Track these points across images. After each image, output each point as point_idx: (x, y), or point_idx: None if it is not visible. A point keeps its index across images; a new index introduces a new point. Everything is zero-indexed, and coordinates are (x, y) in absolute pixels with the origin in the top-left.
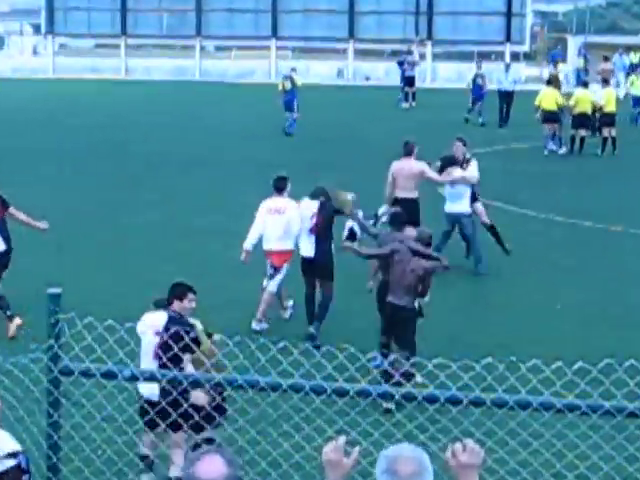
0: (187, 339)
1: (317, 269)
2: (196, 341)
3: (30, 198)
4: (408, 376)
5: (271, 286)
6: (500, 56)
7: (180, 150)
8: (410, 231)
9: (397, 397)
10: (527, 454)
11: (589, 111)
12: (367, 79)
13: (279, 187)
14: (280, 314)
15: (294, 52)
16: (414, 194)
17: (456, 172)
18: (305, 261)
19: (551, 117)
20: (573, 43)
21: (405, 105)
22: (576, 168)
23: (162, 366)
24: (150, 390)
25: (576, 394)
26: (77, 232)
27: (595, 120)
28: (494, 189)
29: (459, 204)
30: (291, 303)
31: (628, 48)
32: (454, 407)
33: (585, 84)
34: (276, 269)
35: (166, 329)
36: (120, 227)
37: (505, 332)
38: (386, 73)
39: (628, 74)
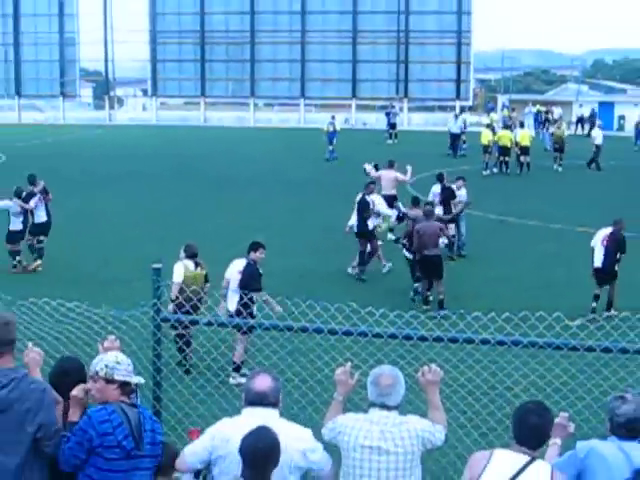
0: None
1: None
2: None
3: (143, 202)
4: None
5: None
6: (453, 109)
7: (241, 173)
8: (417, 210)
9: (399, 338)
10: (469, 371)
11: (509, 145)
12: (364, 124)
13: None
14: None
15: (316, 107)
16: (393, 192)
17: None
18: None
19: (486, 150)
20: (501, 100)
21: (389, 142)
22: (503, 183)
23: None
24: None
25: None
26: (168, 227)
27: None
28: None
29: None
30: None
31: (536, 102)
32: (422, 342)
33: (508, 127)
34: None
35: (244, 269)
36: (200, 224)
37: (460, 291)
38: (377, 120)
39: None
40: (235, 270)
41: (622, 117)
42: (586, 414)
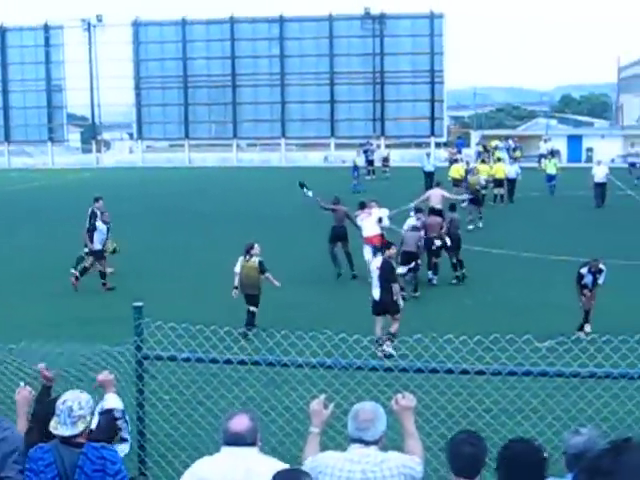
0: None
1: None
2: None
3: (131, 241)
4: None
5: None
6: (428, 145)
7: (225, 209)
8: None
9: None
10: (441, 397)
11: (503, 176)
12: (343, 162)
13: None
14: None
15: (297, 146)
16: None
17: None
18: None
19: (457, 183)
20: (474, 135)
21: (368, 178)
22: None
23: (383, 285)
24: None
25: (475, 358)
26: (154, 261)
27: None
28: None
29: None
30: None
31: (508, 137)
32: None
33: (483, 161)
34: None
35: (382, 266)
36: (182, 260)
37: (436, 317)
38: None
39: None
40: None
41: (590, 149)
42: (555, 441)
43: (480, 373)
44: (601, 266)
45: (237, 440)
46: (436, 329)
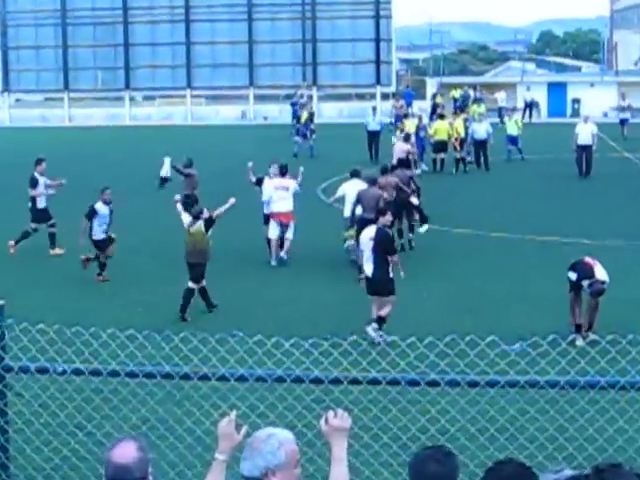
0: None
1: None
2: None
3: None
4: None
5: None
6: (372, 96)
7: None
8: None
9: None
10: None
11: (446, 138)
12: (265, 119)
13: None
14: None
15: (206, 99)
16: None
17: None
18: None
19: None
20: (430, 83)
21: (298, 139)
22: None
23: (377, 260)
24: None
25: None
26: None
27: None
28: None
29: None
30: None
31: (473, 86)
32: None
33: (441, 116)
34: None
35: (377, 236)
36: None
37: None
38: (280, 113)
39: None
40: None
41: (576, 100)
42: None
43: (433, 384)
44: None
45: (122, 474)
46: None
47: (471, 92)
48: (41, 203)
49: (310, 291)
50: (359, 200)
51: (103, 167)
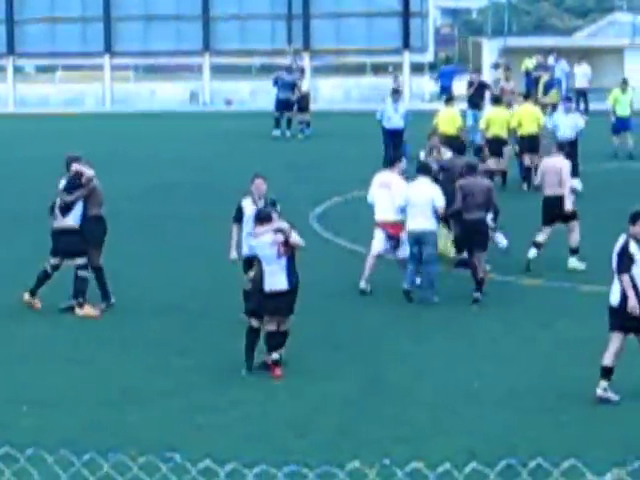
0: None
1: None
2: None
3: None
4: None
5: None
6: (399, 68)
7: None
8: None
9: None
10: None
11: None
12: (228, 103)
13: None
14: None
15: (136, 72)
16: None
17: None
18: None
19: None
20: (488, 47)
21: (277, 133)
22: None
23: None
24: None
25: None
26: None
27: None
28: None
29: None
30: None
31: (559, 52)
32: None
33: (497, 99)
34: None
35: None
36: None
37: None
38: (252, 95)
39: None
40: None
41: None
42: None
43: None
44: None
45: None
46: None
47: (553, 62)
48: None
49: None
50: (464, 196)
51: None
